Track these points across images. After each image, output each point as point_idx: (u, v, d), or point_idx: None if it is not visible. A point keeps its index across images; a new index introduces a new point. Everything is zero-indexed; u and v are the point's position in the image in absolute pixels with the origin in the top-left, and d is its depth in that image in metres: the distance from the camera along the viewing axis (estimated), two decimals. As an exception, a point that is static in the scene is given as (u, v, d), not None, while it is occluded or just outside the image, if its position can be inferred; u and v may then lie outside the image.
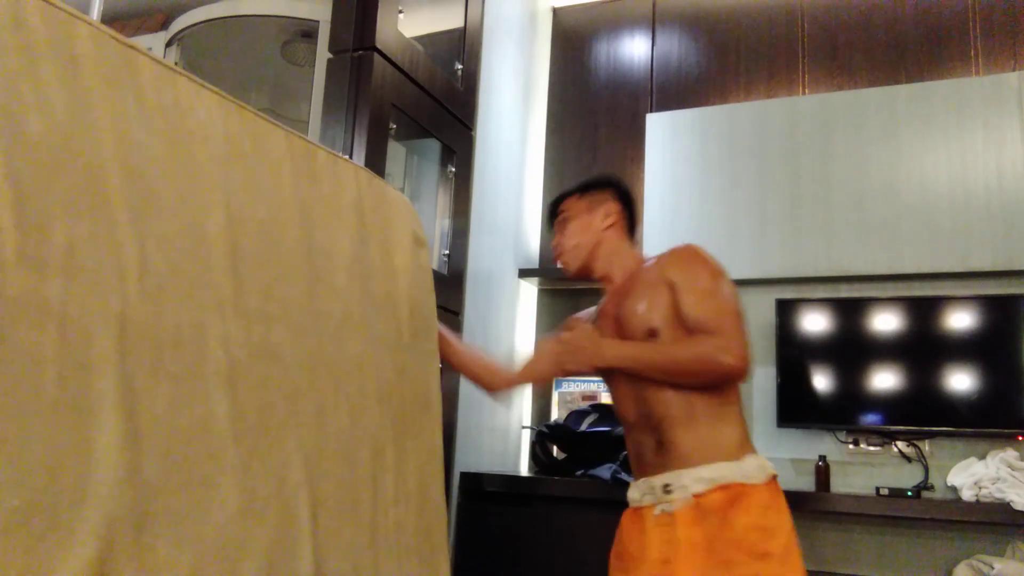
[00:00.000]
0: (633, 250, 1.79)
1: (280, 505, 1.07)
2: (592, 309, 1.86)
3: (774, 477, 1.54)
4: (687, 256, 1.62)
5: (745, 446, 1.55)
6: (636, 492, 1.62)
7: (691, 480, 1.51)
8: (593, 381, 2.80)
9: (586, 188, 1.82)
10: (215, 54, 2.48)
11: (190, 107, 1.03)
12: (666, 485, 1.53)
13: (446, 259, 2.31)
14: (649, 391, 1.59)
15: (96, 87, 0.89)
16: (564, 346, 1.64)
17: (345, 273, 1.28)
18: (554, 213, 1.85)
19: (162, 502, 0.89)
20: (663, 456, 1.56)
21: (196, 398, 0.96)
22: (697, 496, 1.49)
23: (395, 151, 2.19)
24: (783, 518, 1.50)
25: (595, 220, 1.77)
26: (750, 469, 1.50)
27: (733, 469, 1.50)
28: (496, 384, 1.85)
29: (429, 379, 1.50)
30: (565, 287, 2.94)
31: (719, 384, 1.54)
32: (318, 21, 2.18)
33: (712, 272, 1.59)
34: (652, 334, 1.58)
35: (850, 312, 2.41)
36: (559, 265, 1.82)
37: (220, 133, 1.07)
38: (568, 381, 2.82)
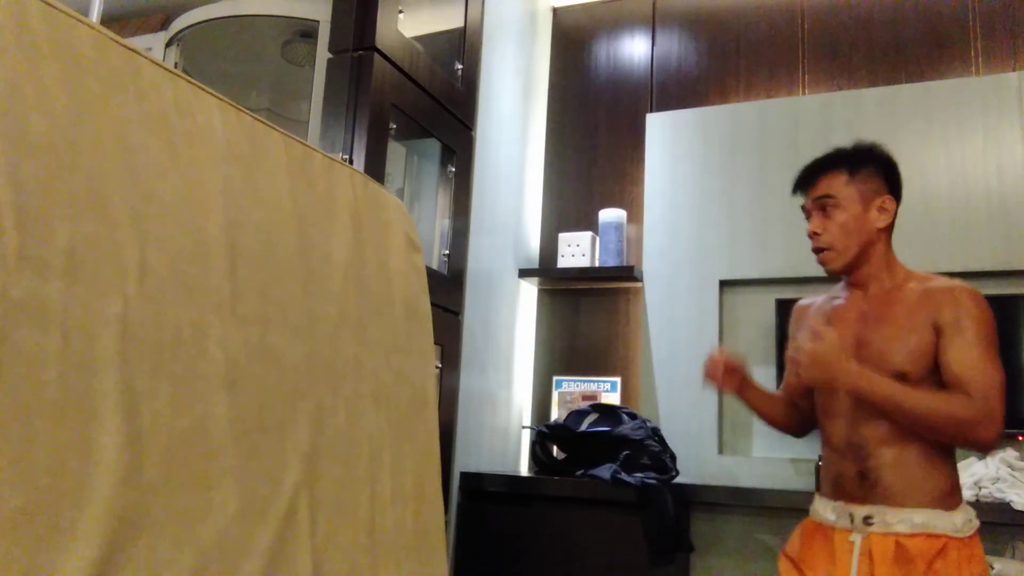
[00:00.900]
0: (897, 259, 1.61)
1: (279, 506, 1.07)
2: (822, 301, 1.70)
3: (977, 529, 1.48)
4: (968, 301, 1.48)
5: (956, 495, 1.48)
6: (830, 513, 1.55)
7: (897, 519, 1.45)
8: (594, 381, 2.80)
9: (856, 167, 1.58)
10: (215, 54, 2.48)
11: (190, 110, 1.03)
12: (867, 517, 1.48)
13: (446, 259, 2.31)
14: (865, 420, 1.51)
15: (97, 89, 0.90)
16: (809, 359, 1.48)
17: (341, 276, 1.28)
18: (805, 186, 1.62)
19: (162, 502, 0.90)
20: (866, 488, 1.50)
21: (196, 399, 0.96)
22: (900, 536, 1.44)
23: (395, 151, 2.20)
24: (983, 572, 1.45)
25: (869, 216, 1.57)
26: (960, 522, 1.45)
27: (945, 520, 1.44)
28: (787, 420, 1.76)
29: (425, 381, 1.51)
30: (565, 287, 2.94)
31: (959, 446, 1.48)
32: (318, 21, 2.19)
33: (990, 330, 1.47)
34: (900, 377, 1.47)
35: (850, 312, 2.41)
36: (817, 259, 1.61)
37: (219, 136, 1.08)
38: (568, 381, 2.83)
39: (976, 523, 1.47)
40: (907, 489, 1.46)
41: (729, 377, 1.73)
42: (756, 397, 1.78)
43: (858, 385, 1.45)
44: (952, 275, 2.56)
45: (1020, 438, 2.22)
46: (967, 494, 2.10)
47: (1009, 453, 2.14)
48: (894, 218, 1.60)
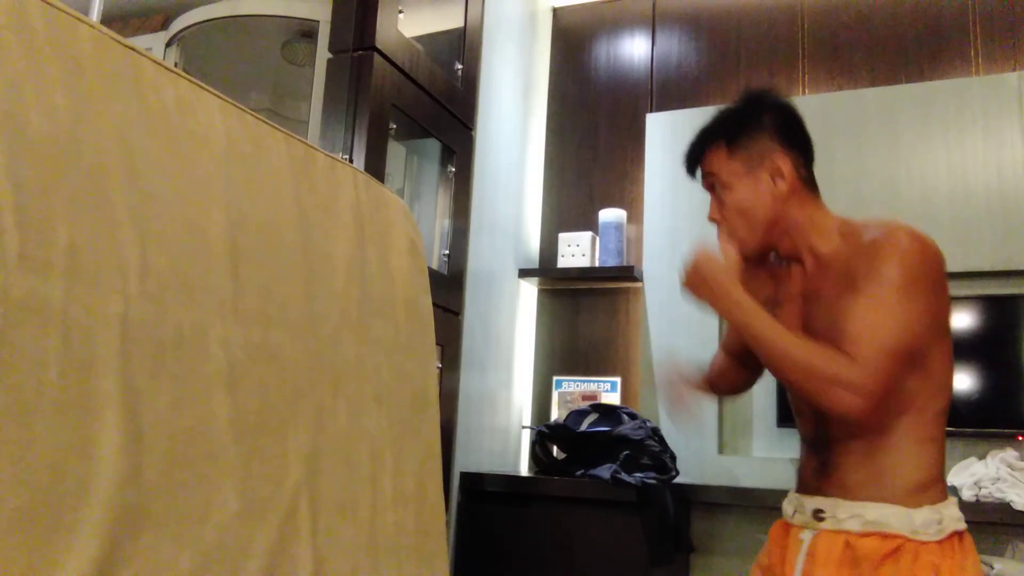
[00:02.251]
0: (825, 214, 1.35)
1: (280, 506, 1.07)
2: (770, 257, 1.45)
3: (956, 534, 1.23)
4: (892, 247, 1.24)
5: (929, 491, 1.24)
6: (788, 506, 1.39)
7: (847, 514, 1.25)
8: (594, 381, 2.80)
9: (733, 135, 1.35)
10: (215, 54, 2.48)
11: (191, 109, 1.03)
12: (818, 510, 1.29)
13: (446, 259, 2.31)
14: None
15: (98, 89, 0.90)
16: (692, 270, 1.32)
17: (343, 275, 1.28)
18: (694, 170, 1.42)
19: (163, 502, 0.90)
20: (821, 479, 1.32)
21: (197, 398, 0.96)
22: (849, 535, 1.24)
23: (395, 151, 2.20)
24: None
25: (760, 188, 1.33)
26: (922, 522, 1.20)
27: (901, 517, 1.21)
28: (733, 380, 1.56)
29: (427, 380, 1.51)
30: (565, 287, 2.94)
31: (821, 407, 1.23)
32: (318, 21, 2.18)
33: (905, 280, 1.21)
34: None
35: (850, 312, 2.41)
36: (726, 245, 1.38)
37: (221, 135, 1.08)
38: (568, 381, 2.83)
39: (949, 527, 1.22)
40: (865, 481, 1.25)
41: (690, 391, 1.57)
42: (713, 387, 1.61)
43: (733, 313, 1.27)
44: (952, 275, 2.55)
45: (1020, 438, 2.22)
46: (967, 494, 2.09)
47: (1009, 453, 2.14)
48: (807, 171, 1.36)
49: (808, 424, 1.41)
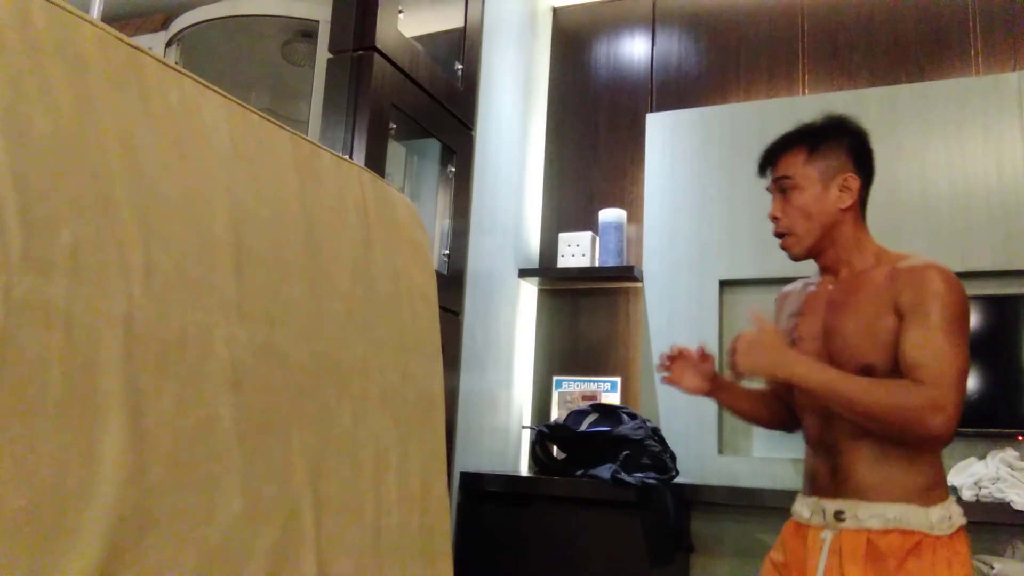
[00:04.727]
0: (869, 239, 1.50)
1: (284, 506, 1.07)
2: (800, 286, 1.62)
3: (962, 528, 1.39)
4: (934, 281, 1.36)
5: (936, 491, 1.38)
6: (805, 510, 1.48)
7: (868, 515, 1.36)
8: (594, 381, 2.80)
9: (815, 145, 1.49)
10: (215, 54, 2.48)
11: (195, 108, 1.03)
12: (839, 512, 1.40)
13: (446, 259, 2.31)
14: (838, 415, 1.41)
15: (101, 88, 0.89)
16: (745, 346, 1.41)
17: (349, 275, 1.28)
18: (767, 166, 1.55)
19: (167, 503, 0.89)
20: (838, 482, 1.42)
21: (201, 399, 0.96)
22: (871, 532, 1.36)
23: (395, 151, 2.19)
24: (963, 574, 1.34)
25: (829, 196, 1.47)
26: (936, 519, 1.34)
27: (920, 516, 1.35)
28: (773, 416, 1.68)
29: (432, 381, 1.50)
30: (565, 287, 2.94)
31: (914, 444, 1.36)
32: (318, 21, 2.18)
33: (956, 313, 1.34)
34: (867, 369, 1.37)
35: (850, 312, 2.41)
36: (779, 244, 1.54)
37: (225, 134, 1.07)
38: (568, 381, 2.83)
39: (957, 522, 1.37)
40: (881, 483, 1.37)
41: (698, 375, 1.64)
42: (732, 394, 1.69)
43: (795, 372, 1.36)
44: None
45: (1020, 438, 2.22)
46: (967, 494, 2.10)
47: (1009, 453, 2.14)
48: (864, 196, 1.51)
49: (814, 427, 1.50)
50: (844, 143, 1.50)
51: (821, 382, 1.36)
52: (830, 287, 1.51)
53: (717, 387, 1.67)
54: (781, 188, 1.51)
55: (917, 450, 1.38)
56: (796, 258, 1.54)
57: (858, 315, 1.41)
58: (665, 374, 1.67)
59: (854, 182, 1.48)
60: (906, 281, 1.38)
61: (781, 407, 1.69)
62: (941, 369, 1.30)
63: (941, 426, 1.28)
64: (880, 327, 1.38)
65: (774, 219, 1.53)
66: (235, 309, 1.03)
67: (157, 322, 0.91)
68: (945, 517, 1.36)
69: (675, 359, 1.67)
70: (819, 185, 1.47)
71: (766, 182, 1.57)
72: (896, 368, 1.36)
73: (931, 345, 1.32)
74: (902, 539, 1.34)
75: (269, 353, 1.08)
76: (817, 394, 1.37)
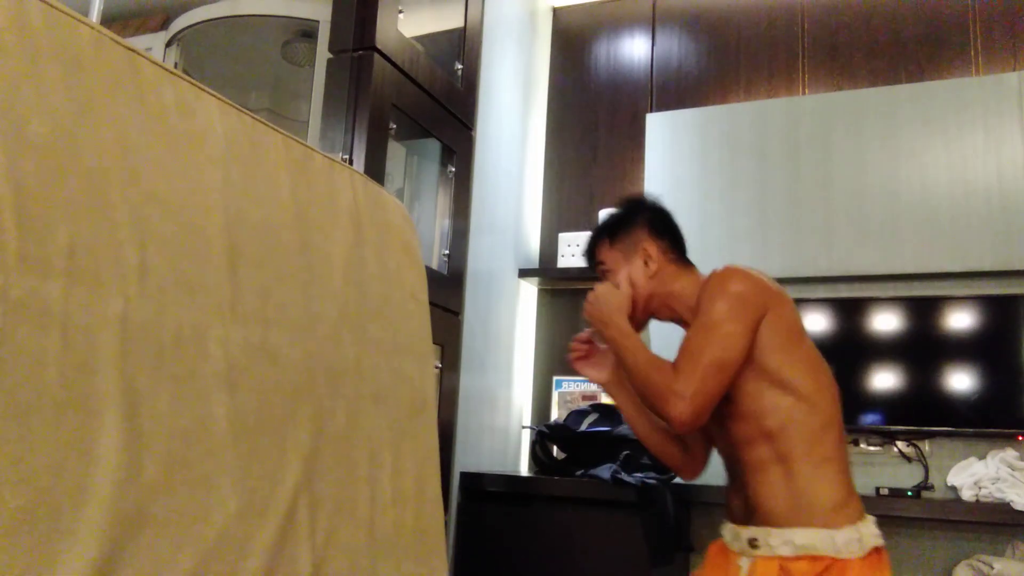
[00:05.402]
0: (691, 279, 1.62)
1: (279, 506, 1.07)
2: None
3: (877, 549, 1.38)
4: (712, 284, 1.49)
5: (842, 511, 1.37)
6: (727, 534, 1.52)
7: (779, 541, 1.38)
8: (593, 381, 2.80)
9: (614, 232, 1.67)
10: (215, 54, 2.48)
11: (190, 110, 1.03)
12: (752, 539, 1.42)
13: (446, 259, 2.31)
14: (738, 445, 1.47)
15: (98, 89, 0.90)
16: (592, 297, 1.59)
17: (341, 276, 1.28)
18: (592, 262, 1.71)
19: (163, 502, 0.90)
20: (749, 512, 1.46)
21: (196, 399, 0.96)
22: (782, 559, 1.36)
23: (395, 151, 2.20)
24: None
25: (635, 271, 1.62)
26: (843, 541, 1.34)
27: (824, 539, 1.34)
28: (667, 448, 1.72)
29: (424, 381, 1.51)
30: (565, 287, 2.94)
31: (663, 419, 1.43)
32: (318, 21, 2.19)
33: (719, 304, 1.44)
34: (727, 400, 1.46)
35: (850, 312, 2.41)
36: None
37: (219, 136, 1.08)
38: (568, 381, 2.83)
39: (870, 543, 1.36)
40: (787, 509, 1.38)
41: (600, 365, 1.74)
42: (629, 396, 1.72)
43: (615, 338, 1.52)
44: (952, 275, 2.51)
45: (1020, 438, 2.22)
46: (967, 494, 2.10)
47: (1009, 453, 2.14)
48: (672, 256, 1.63)
49: (724, 458, 1.56)
50: (638, 220, 1.65)
51: (624, 348, 1.50)
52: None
53: (617, 382, 1.73)
54: (603, 273, 1.67)
55: (817, 469, 1.39)
56: (638, 329, 1.63)
57: None
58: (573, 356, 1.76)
59: (652, 248, 1.62)
60: (702, 290, 1.50)
61: (673, 439, 1.72)
62: (689, 361, 1.40)
63: (679, 411, 1.36)
64: None
65: None
66: (229, 310, 1.03)
67: (152, 322, 0.92)
68: (854, 539, 1.34)
69: (587, 343, 1.75)
70: (626, 264, 1.63)
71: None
72: (749, 387, 1.43)
73: (689, 340, 1.43)
74: (811, 564, 1.33)
75: (263, 353, 1.08)
76: (619, 350, 1.51)
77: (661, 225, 1.66)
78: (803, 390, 1.42)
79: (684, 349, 1.43)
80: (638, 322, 1.63)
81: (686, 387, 1.37)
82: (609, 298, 1.57)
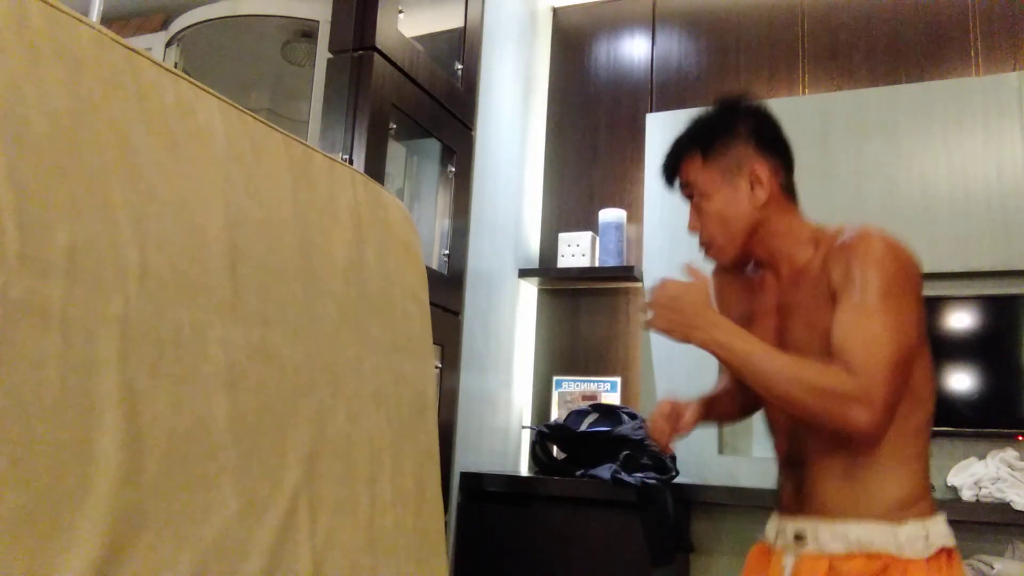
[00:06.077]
0: (802, 223, 1.32)
1: (279, 506, 1.07)
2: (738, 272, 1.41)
3: (945, 550, 1.17)
4: (863, 251, 1.17)
5: (911, 506, 1.17)
6: (771, 530, 1.33)
7: (829, 536, 1.18)
8: (594, 381, 2.80)
9: (708, 143, 1.31)
10: (215, 54, 2.48)
11: (190, 110, 1.04)
12: (799, 534, 1.22)
13: (446, 259, 2.31)
14: (805, 433, 1.25)
15: (98, 90, 0.90)
16: (663, 301, 1.23)
17: (341, 276, 1.28)
18: (671, 179, 1.38)
19: (163, 502, 0.90)
20: (800, 500, 1.25)
21: (196, 399, 0.96)
22: (833, 558, 1.17)
23: (395, 151, 2.20)
24: None
25: (740, 196, 1.29)
26: (907, 538, 1.14)
27: (886, 534, 1.15)
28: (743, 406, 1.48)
29: (425, 382, 1.51)
30: (565, 287, 2.94)
31: (828, 427, 1.16)
32: (318, 21, 2.19)
33: (891, 284, 1.14)
34: None
35: (850, 312, 2.41)
36: (704, 257, 1.35)
37: (220, 136, 1.08)
38: (568, 381, 2.83)
39: (937, 543, 1.15)
40: (846, 500, 1.19)
41: (684, 427, 1.40)
42: (710, 410, 1.48)
43: (715, 338, 1.18)
44: (952, 275, 2.50)
45: (1020, 438, 2.22)
46: (967, 494, 2.09)
47: (1009, 453, 2.14)
48: (783, 180, 1.32)
49: (783, 442, 1.34)
50: (740, 131, 1.32)
51: (742, 353, 1.17)
52: (776, 288, 1.34)
53: (703, 418, 1.47)
54: (690, 196, 1.36)
55: (896, 460, 1.19)
56: (727, 268, 1.38)
57: (803, 313, 1.25)
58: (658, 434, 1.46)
59: (763, 171, 1.29)
60: (836, 259, 1.20)
61: (745, 392, 1.48)
62: (870, 356, 1.11)
63: (866, 423, 1.09)
64: (824, 320, 1.19)
65: (693, 231, 1.37)
66: (230, 309, 1.03)
67: (153, 322, 0.92)
68: (919, 536, 1.15)
69: (668, 413, 1.44)
70: (726, 187, 1.30)
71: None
72: None
73: (861, 326, 1.13)
74: (866, 563, 1.14)
75: (263, 353, 1.08)
76: (734, 367, 1.19)
77: (770, 138, 1.33)
78: (916, 385, 1.20)
79: (851, 336, 1.13)
80: (730, 266, 1.35)
81: (870, 387, 1.09)
82: (687, 295, 1.22)
